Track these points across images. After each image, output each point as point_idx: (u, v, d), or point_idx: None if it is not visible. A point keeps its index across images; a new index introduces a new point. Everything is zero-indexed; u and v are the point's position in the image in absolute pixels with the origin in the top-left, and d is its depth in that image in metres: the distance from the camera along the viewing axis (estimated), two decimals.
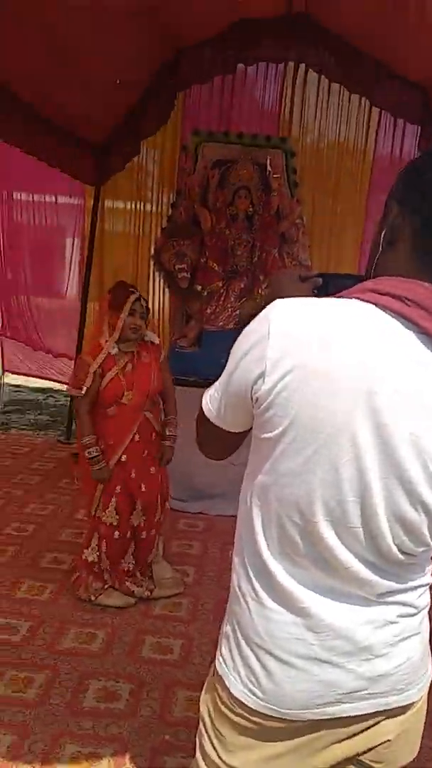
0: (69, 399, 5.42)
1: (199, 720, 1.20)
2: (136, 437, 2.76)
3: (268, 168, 4.16)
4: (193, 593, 3.00)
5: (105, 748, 2.01)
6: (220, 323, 4.28)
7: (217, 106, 4.84)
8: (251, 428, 1.08)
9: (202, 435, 1.15)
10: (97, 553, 2.82)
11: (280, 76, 4.67)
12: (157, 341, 2.90)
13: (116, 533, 2.78)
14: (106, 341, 2.69)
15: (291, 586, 0.98)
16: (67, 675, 2.34)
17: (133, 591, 2.86)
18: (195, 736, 2.04)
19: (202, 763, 1.13)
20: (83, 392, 2.65)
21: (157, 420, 2.87)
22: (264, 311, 0.98)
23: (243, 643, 1.04)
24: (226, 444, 1.13)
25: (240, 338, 1.01)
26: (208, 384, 1.13)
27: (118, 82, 4.16)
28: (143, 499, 2.81)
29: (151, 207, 5.25)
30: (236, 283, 4.29)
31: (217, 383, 1.07)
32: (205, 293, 4.31)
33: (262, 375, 0.93)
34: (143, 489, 2.80)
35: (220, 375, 1.08)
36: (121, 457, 2.73)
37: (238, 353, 0.99)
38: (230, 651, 1.07)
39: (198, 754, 1.15)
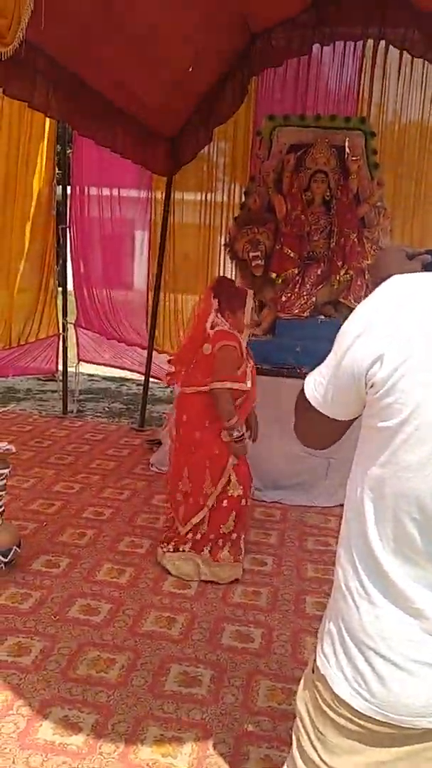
0: (142, 387, 5.52)
1: (295, 716, 1.16)
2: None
3: (347, 150, 4.02)
4: (272, 583, 2.96)
5: (188, 733, 2.00)
6: (295, 311, 4.20)
7: (292, 89, 4.74)
8: (357, 417, 1.01)
9: (302, 423, 1.09)
10: (233, 526, 2.94)
11: (358, 54, 4.51)
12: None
13: (243, 501, 2.93)
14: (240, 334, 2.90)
15: (405, 585, 0.91)
16: (148, 657, 2.35)
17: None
18: (279, 728, 2.02)
19: (299, 761, 1.09)
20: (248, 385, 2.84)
21: None
22: (380, 289, 0.92)
23: (349, 642, 0.98)
24: (330, 433, 1.07)
25: (352, 317, 0.94)
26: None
27: (190, 69, 4.14)
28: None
29: (222, 196, 5.23)
30: (312, 270, 4.19)
31: (321, 367, 1.00)
32: (280, 280, 4.24)
33: (379, 358, 0.87)
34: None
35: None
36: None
37: (350, 334, 0.92)
38: (334, 650, 1.01)
39: (295, 752, 1.11)
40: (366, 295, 0.93)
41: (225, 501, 2.89)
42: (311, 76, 4.70)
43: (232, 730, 2.03)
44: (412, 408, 0.85)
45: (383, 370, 0.87)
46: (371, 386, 0.89)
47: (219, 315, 2.88)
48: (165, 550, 3.01)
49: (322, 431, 1.07)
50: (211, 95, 4.58)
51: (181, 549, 2.95)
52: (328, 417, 1.01)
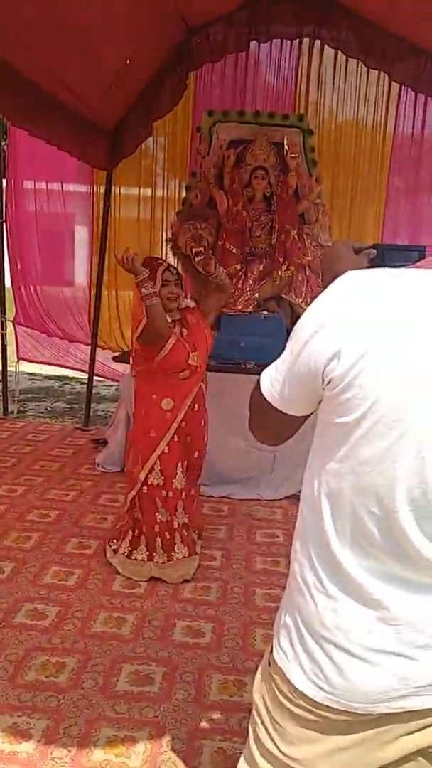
0: (85, 386, 5.43)
1: (249, 707, 1.17)
2: (195, 406, 2.86)
3: (286, 147, 4.07)
4: (222, 577, 2.98)
5: (141, 731, 1.99)
6: (239, 306, 4.22)
7: (231, 85, 4.76)
8: (313, 412, 1.02)
9: (258, 419, 1.09)
10: (168, 515, 2.89)
11: (295, 53, 4.57)
12: (193, 305, 2.95)
13: (164, 492, 2.87)
14: None
15: (362, 578, 0.93)
16: (98, 659, 2.32)
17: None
18: (231, 720, 2.04)
19: (257, 753, 1.10)
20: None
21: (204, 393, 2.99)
22: (334, 284, 0.91)
23: (307, 635, 0.99)
24: (285, 429, 1.07)
25: (308, 314, 0.93)
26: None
27: (127, 62, 4.08)
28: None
29: (163, 191, 5.20)
30: (255, 266, 4.23)
31: (278, 363, 1.00)
32: None
33: (336, 355, 0.87)
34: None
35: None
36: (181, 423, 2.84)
37: (306, 330, 0.92)
38: (291, 643, 1.02)
39: (252, 745, 1.12)
40: (308, 291, 0.94)
41: (145, 488, 2.86)
42: (249, 72, 4.74)
43: (185, 725, 2.03)
44: (370, 403, 0.86)
45: (341, 365, 0.86)
46: (329, 382, 0.89)
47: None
48: (114, 548, 2.98)
49: (277, 427, 1.07)
50: (150, 89, 4.54)
51: (133, 557, 2.92)
52: (284, 413, 1.01)
